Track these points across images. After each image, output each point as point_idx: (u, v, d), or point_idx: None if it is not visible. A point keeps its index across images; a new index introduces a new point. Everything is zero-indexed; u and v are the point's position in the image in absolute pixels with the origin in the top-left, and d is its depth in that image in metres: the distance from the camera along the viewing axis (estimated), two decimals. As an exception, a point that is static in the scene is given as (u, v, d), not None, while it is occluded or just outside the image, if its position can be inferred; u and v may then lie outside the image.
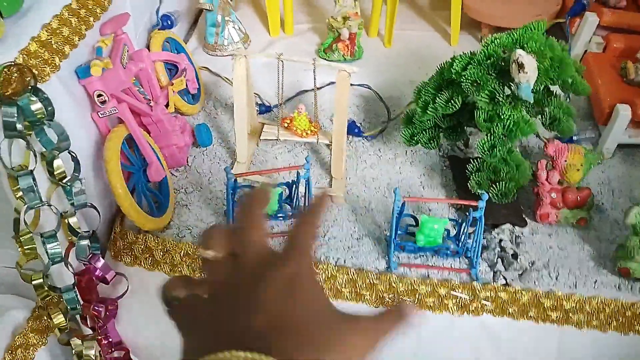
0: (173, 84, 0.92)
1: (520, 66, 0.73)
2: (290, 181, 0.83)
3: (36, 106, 0.64)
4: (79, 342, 0.76)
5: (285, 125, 0.94)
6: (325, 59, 1.12)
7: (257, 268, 0.34)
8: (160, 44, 0.96)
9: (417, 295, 0.75)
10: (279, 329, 0.31)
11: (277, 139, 0.95)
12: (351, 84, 0.87)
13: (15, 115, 0.62)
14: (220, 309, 0.33)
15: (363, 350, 0.33)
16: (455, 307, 0.75)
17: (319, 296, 0.34)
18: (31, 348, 0.78)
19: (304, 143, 0.97)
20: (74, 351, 0.77)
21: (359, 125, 1.00)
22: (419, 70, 1.10)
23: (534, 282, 0.76)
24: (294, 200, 0.83)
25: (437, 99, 0.83)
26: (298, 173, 0.80)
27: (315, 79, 0.87)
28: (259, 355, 0.28)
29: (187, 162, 0.93)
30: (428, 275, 0.77)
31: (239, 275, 0.34)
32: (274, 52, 0.85)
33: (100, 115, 0.77)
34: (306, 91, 1.06)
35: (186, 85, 0.97)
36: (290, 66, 0.88)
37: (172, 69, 0.98)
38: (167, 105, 0.91)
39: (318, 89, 0.94)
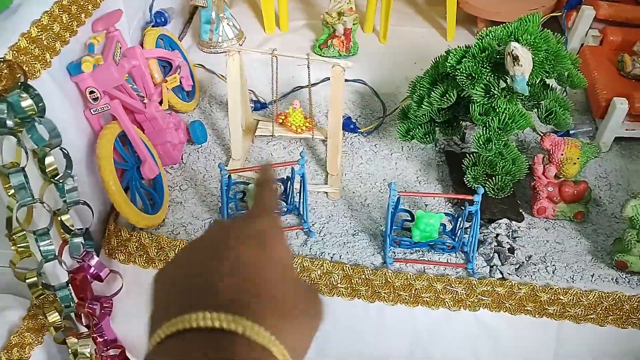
0: (167, 81, 0.92)
1: (515, 59, 0.72)
2: (285, 177, 0.82)
3: (26, 103, 0.63)
4: (75, 340, 0.76)
5: (280, 121, 0.94)
6: (320, 55, 1.11)
7: (228, 229, 0.34)
8: (153, 41, 0.96)
9: (413, 291, 0.74)
10: (249, 289, 0.30)
11: (272, 136, 0.95)
12: (346, 80, 0.87)
13: (5, 111, 0.61)
14: (189, 268, 0.32)
15: (316, 326, 0.32)
16: (451, 302, 0.74)
17: (285, 255, 0.33)
18: (27, 347, 0.78)
19: (300, 139, 0.97)
20: (69, 350, 0.77)
21: (354, 121, 0.99)
22: (415, 66, 1.09)
23: (531, 276, 0.76)
24: (289, 196, 0.83)
25: (432, 93, 0.82)
26: (293, 169, 0.79)
27: (309, 74, 0.87)
28: (225, 315, 0.28)
29: (182, 159, 0.92)
30: (424, 270, 0.76)
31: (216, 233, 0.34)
32: (267, 48, 0.85)
33: (93, 112, 0.76)
34: (301, 87, 1.05)
35: (180, 83, 0.97)
36: (284, 62, 0.87)
37: (166, 66, 0.98)
38: (161, 103, 0.91)
39: (313, 85, 0.93)
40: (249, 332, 0.28)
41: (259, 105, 1.03)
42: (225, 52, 0.83)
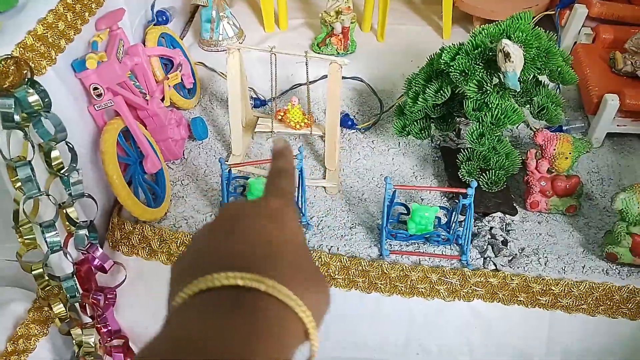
0: (169, 78, 0.94)
1: (507, 55, 0.74)
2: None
3: (33, 98, 0.65)
4: (79, 331, 0.78)
5: (279, 117, 0.96)
6: (319, 53, 1.13)
7: (241, 208, 0.35)
8: (155, 39, 0.98)
9: (409, 282, 0.76)
10: (267, 255, 0.31)
11: (271, 132, 0.97)
12: (344, 77, 0.88)
13: (13, 107, 0.63)
14: (205, 244, 0.33)
15: (328, 301, 0.33)
16: (446, 293, 0.76)
17: (298, 232, 0.35)
18: (32, 338, 0.80)
19: (298, 136, 0.98)
20: (74, 340, 0.78)
21: (352, 117, 1.01)
22: (411, 64, 1.11)
23: (524, 268, 0.78)
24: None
25: (427, 89, 0.84)
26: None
27: (307, 72, 0.89)
28: (249, 274, 0.28)
29: (183, 155, 0.95)
30: (419, 262, 0.78)
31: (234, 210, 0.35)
32: (266, 46, 0.87)
33: (97, 108, 0.78)
34: (300, 85, 1.07)
35: (182, 80, 0.99)
36: (284, 60, 0.89)
37: (168, 64, 1.00)
38: (163, 99, 0.93)
39: (311, 82, 0.95)
40: (272, 290, 0.28)
41: (259, 103, 1.05)
42: (226, 50, 0.85)
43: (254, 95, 1.05)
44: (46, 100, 0.67)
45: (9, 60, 0.64)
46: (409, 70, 0.97)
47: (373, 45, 1.19)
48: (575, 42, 1.11)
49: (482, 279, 0.76)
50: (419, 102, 0.85)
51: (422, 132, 0.89)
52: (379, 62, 1.13)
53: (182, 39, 1.13)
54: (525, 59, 0.77)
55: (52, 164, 0.69)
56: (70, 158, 0.71)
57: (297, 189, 0.83)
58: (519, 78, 0.77)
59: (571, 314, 0.76)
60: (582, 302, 0.76)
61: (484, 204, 0.85)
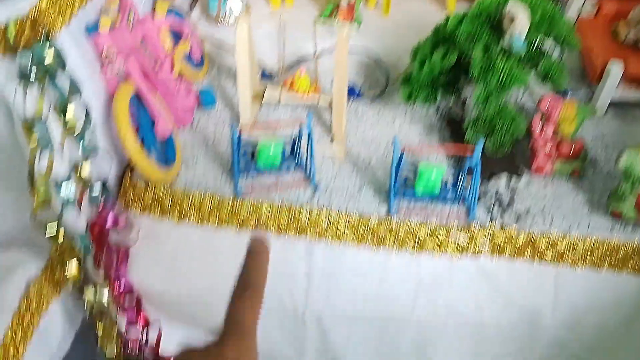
0: (178, 48, 0.95)
1: (512, 18, 0.75)
2: (292, 137, 0.85)
3: (49, 57, 0.67)
4: (92, 290, 0.79)
5: (287, 86, 0.97)
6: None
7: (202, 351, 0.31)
8: (164, 12, 0.99)
9: (417, 239, 0.78)
10: None
11: (279, 102, 0.98)
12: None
13: (29, 63, 0.65)
14: None
15: None
16: (453, 250, 0.78)
17: None
18: (46, 298, 0.81)
19: (305, 107, 1.00)
20: (86, 300, 0.80)
21: (358, 89, 1.03)
22: (417, 38, 1.11)
23: (529, 226, 0.79)
24: (297, 155, 0.86)
25: (433, 56, 0.85)
26: (300, 128, 0.83)
27: (315, 41, 0.90)
28: None
29: (192, 123, 0.96)
30: (427, 220, 0.80)
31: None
32: (273, 22, 0.88)
33: (109, 72, 0.80)
34: (306, 61, 1.08)
35: (190, 52, 1.00)
36: (291, 35, 0.90)
37: (175, 41, 1.01)
38: (172, 69, 0.94)
39: (318, 55, 0.96)
40: None
41: (266, 77, 1.06)
42: (233, 24, 0.86)
43: (261, 69, 1.06)
44: (61, 59, 0.68)
45: (24, 20, 0.66)
46: (415, 44, 0.98)
47: (378, 20, 1.21)
48: (579, 16, 1.12)
49: (489, 236, 0.77)
50: (425, 69, 0.86)
51: (429, 97, 0.91)
52: (384, 36, 1.14)
53: (189, 14, 1.14)
54: (530, 23, 0.79)
55: (67, 122, 0.71)
56: (84, 117, 0.72)
57: (306, 152, 0.84)
58: (524, 41, 0.78)
59: (577, 270, 0.78)
60: (588, 258, 0.77)
61: (489, 168, 0.86)
